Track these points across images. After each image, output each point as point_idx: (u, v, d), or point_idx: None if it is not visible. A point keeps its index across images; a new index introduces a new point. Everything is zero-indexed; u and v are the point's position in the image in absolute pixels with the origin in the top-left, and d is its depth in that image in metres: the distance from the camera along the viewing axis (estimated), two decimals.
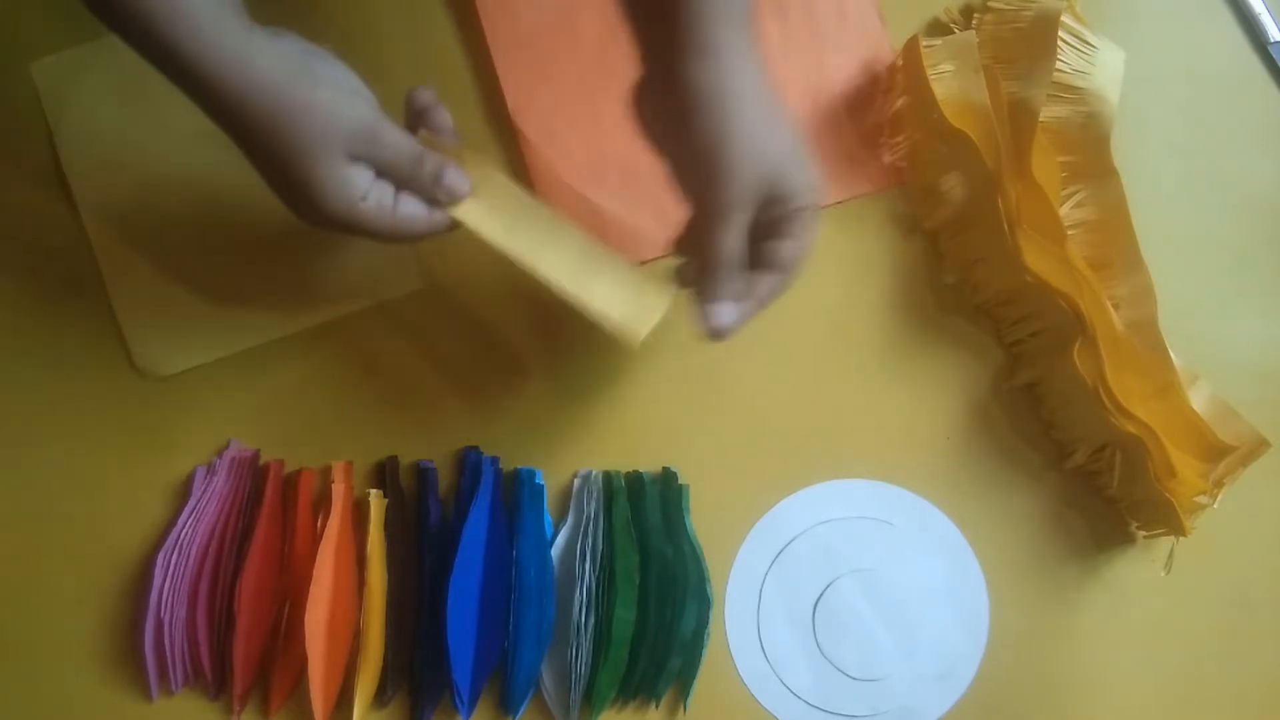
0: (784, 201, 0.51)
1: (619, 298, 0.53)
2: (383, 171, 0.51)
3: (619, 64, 0.63)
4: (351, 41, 0.62)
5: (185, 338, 0.63)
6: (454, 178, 0.53)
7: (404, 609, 0.61)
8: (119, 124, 0.64)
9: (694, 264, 0.53)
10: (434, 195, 0.53)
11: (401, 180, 0.52)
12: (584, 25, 0.66)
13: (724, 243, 0.50)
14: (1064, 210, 0.63)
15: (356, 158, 0.50)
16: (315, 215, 0.51)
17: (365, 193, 0.50)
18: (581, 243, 0.54)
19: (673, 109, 0.50)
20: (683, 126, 0.49)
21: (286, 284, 0.63)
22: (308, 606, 0.59)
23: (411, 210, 0.52)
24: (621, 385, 0.64)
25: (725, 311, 0.51)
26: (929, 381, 0.65)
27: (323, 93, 0.49)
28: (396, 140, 0.51)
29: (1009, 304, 0.65)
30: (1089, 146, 0.64)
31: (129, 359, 0.63)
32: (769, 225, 0.52)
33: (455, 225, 0.54)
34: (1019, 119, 0.62)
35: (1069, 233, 0.62)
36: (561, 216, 0.54)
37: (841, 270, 0.66)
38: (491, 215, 0.54)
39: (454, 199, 0.53)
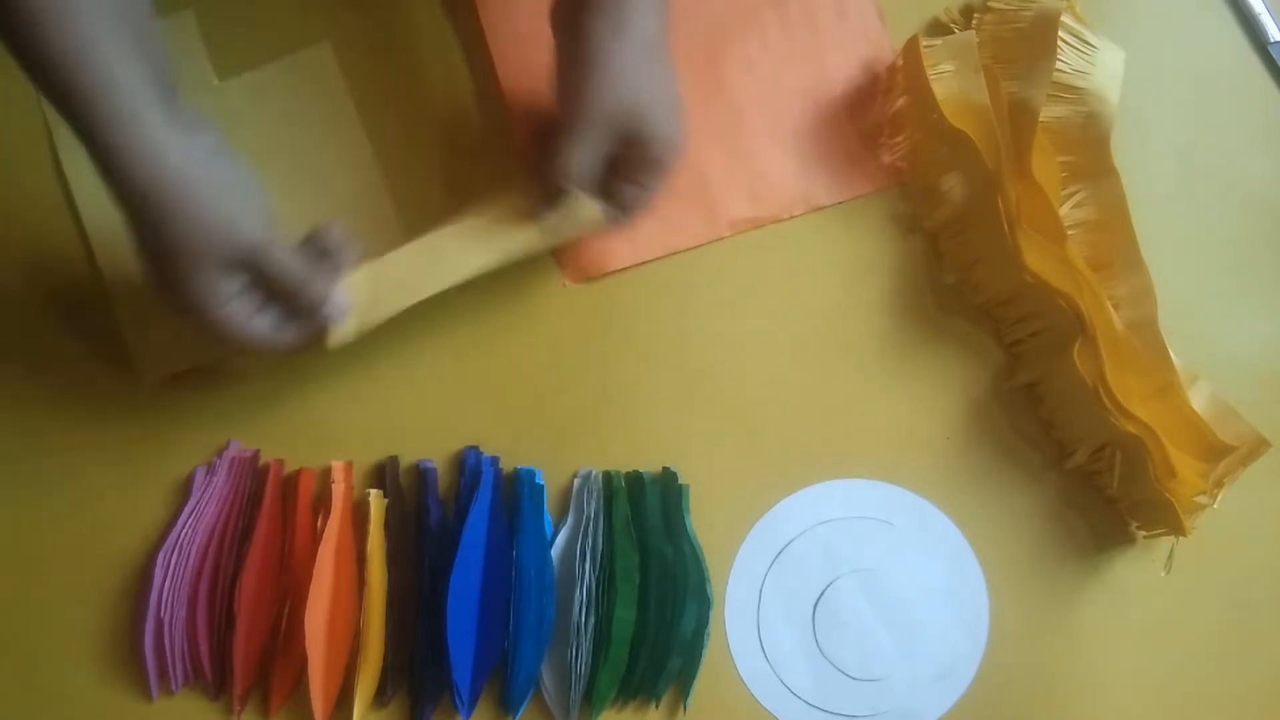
0: (642, 145, 0.54)
1: (543, 227, 0.57)
2: (266, 285, 0.52)
3: None
4: (350, 45, 0.64)
5: (184, 339, 0.62)
6: (333, 308, 0.54)
7: (404, 609, 0.61)
8: None
9: (542, 178, 0.55)
10: (311, 319, 0.54)
11: (283, 297, 0.53)
12: None
13: (571, 157, 0.54)
14: (1064, 210, 0.63)
15: (235, 268, 0.51)
16: (173, 304, 0.52)
17: (226, 303, 0.52)
18: (475, 226, 0.58)
19: (571, 33, 0.54)
20: (572, 48, 0.54)
21: None
22: (308, 606, 0.59)
23: (261, 328, 0.53)
24: (621, 385, 0.64)
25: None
26: (929, 381, 0.65)
27: (223, 205, 0.50)
28: (283, 261, 0.52)
29: (1009, 304, 0.64)
30: (1089, 146, 0.63)
31: (130, 361, 0.63)
32: (626, 166, 0.55)
33: (299, 348, 0.55)
34: (1019, 119, 0.62)
35: (1069, 233, 0.62)
36: (443, 231, 0.57)
37: (842, 270, 0.66)
38: (381, 301, 0.57)
39: (329, 324, 0.55)
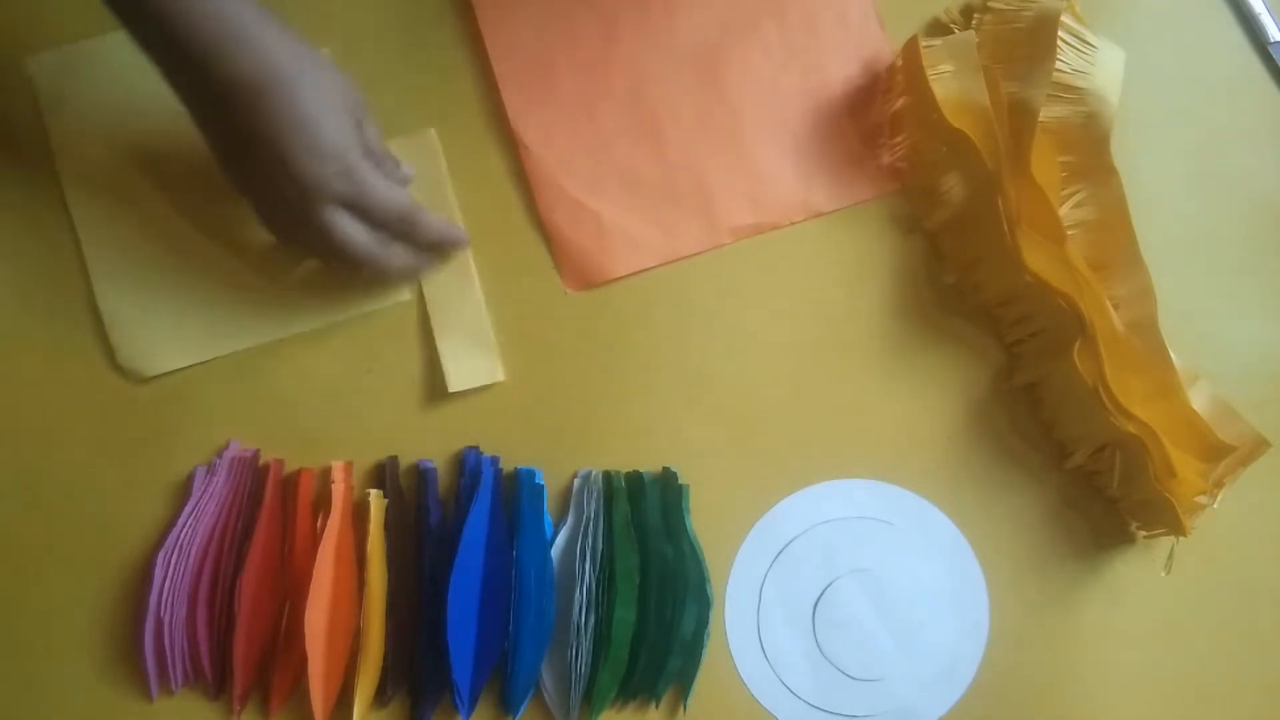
0: None
1: (461, 350, 0.62)
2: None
3: (619, 71, 0.65)
4: (352, 48, 0.64)
5: (171, 339, 0.62)
6: (409, 168, 0.61)
7: (404, 609, 0.61)
8: (115, 123, 0.63)
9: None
10: (399, 173, 0.60)
11: (373, 156, 0.57)
12: (583, 32, 0.66)
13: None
14: (1064, 210, 0.63)
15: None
16: (313, 171, 0.54)
17: (362, 151, 0.55)
18: (460, 291, 0.63)
19: None
20: None
21: (277, 290, 0.63)
22: (308, 606, 0.59)
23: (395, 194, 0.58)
24: (621, 385, 0.64)
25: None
26: (929, 382, 0.65)
27: (332, 65, 0.55)
28: (375, 125, 0.58)
29: (1009, 304, 0.64)
30: (1089, 146, 0.63)
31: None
32: None
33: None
34: (1019, 119, 0.62)
35: (1069, 233, 0.62)
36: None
37: (841, 271, 0.65)
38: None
39: (409, 179, 0.61)
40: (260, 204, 0.57)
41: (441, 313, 0.63)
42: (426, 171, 0.64)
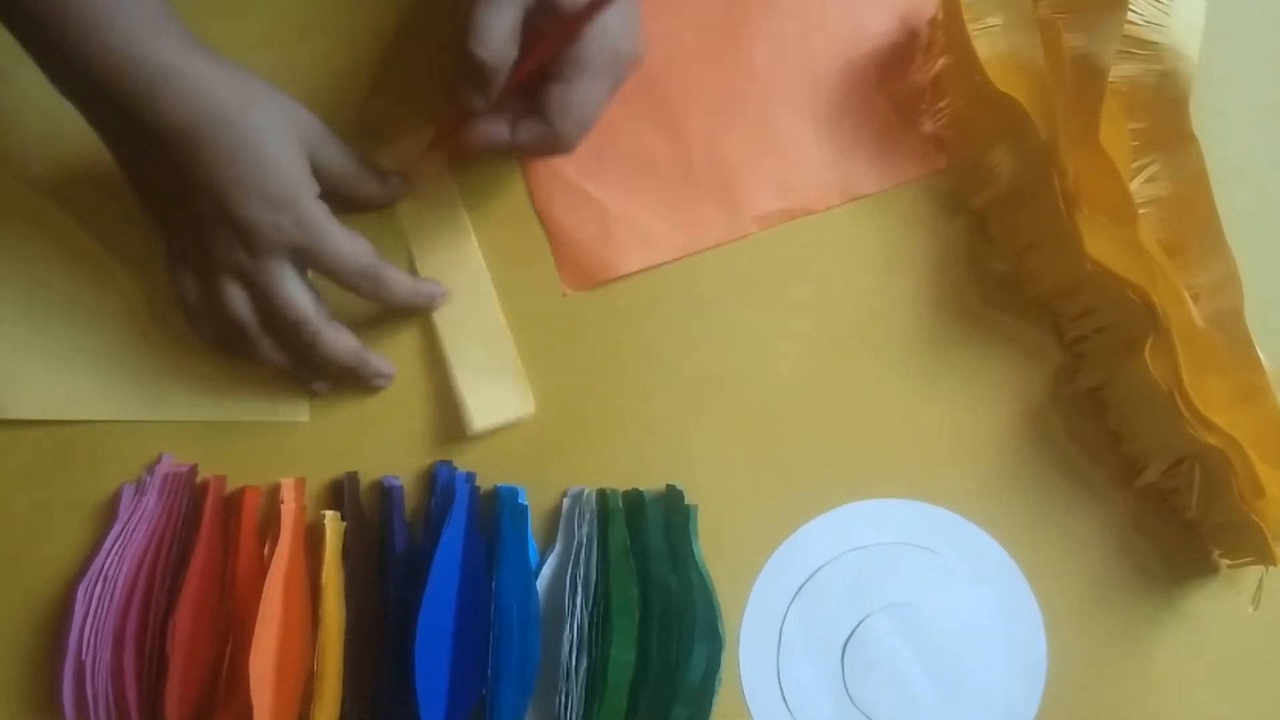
0: (550, 7, 0.52)
1: (482, 384, 0.60)
2: (325, 178, 0.55)
3: None
4: (355, 33, 0.62)
5: (44, 388, 0.59)
6: (398, 182, 0.59)
7: (365, 649, 0.58)
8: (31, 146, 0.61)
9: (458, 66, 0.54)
10: (383, 191, 0.58)
11: (345, 183, 0.56)
12: None
13: (483, 17, 0.51)
14: (1134, 186, 0.59)
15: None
16: (263, 220, 0.52)
17: (318, 192, 0.54)
18: (477, 308, 0.60)
19: None
20: None
21: (168, 368, 0.60)
22: (253, 647, 0.56)
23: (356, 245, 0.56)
24: (618, 389, 0.61)
25: (478, 116, 0.54)
26: (976, 386, 0.62)
27: (277, 92, 0.54)
28: (341, 146, 0.56)
29: (1069, 296, 0.61)
30: (1164, 110, 0.59)
31: None
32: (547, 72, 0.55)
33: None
34: (1084, 79, 0.57)
35: (1140, 211, 0.58)
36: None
37: (873, 259, 0.63)
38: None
39: (395, 198, 0.59)
40: (183, 259, 0.56)
41: (456, 337, 0.60)
42: (427, 178, 0.61)
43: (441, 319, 0.60)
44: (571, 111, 0.53)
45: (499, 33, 0.51)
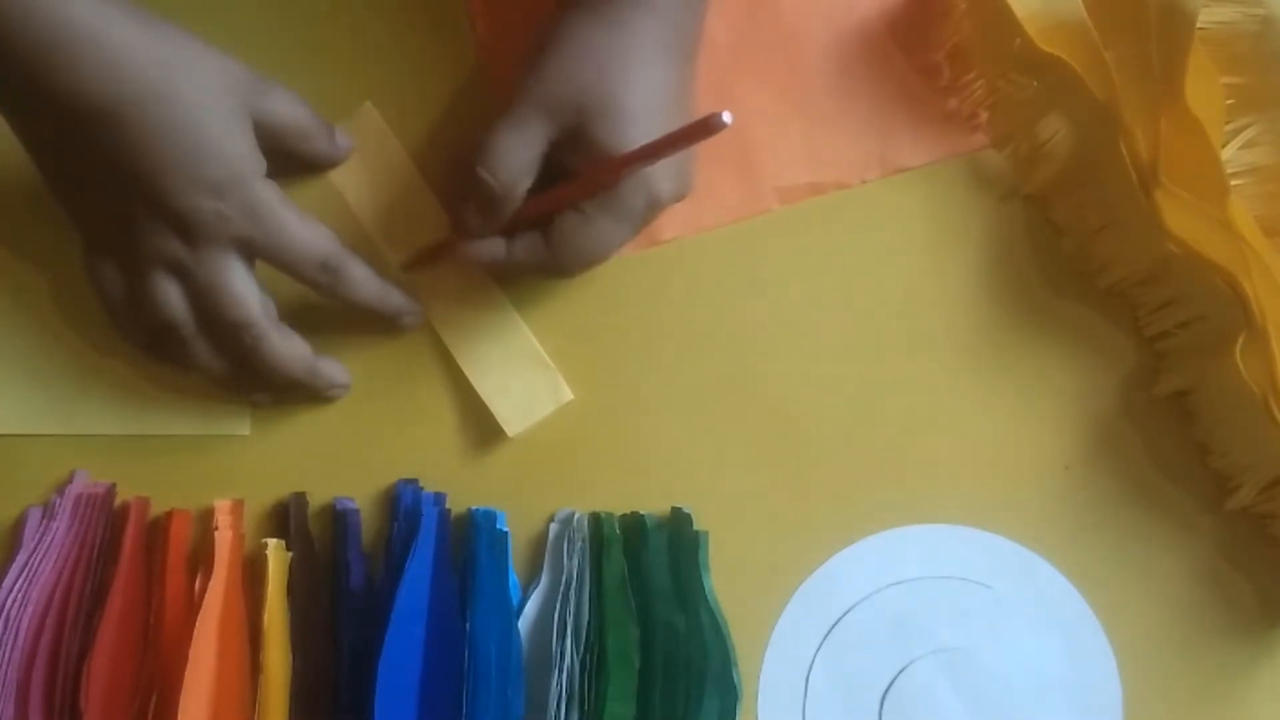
0: (584, 146, 0.50)
1: (507, 382, 0.58)
2: (273, 135, 0.52)
3: None
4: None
5: None
6: (344, 137, 0.56)
7: (315, 701, 0.53)
8: None
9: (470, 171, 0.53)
10: (330, 149, 0.55)
11: (293, 137, 0.53)
12: None
13: (498, 139, 0.50)
14: (1227, 154, 0.55)
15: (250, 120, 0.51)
16: (205, 207, 0.48)
17: (265, 170, 0.50)
18: (485, 306, 0.58)
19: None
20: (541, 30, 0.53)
21: (84, 374, 0.57)
22: (182, 699, 0.51)
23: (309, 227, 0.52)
24: (616, 396, 0.57)
25: (476, 238, 0.52)
26: (1038, 391, 0.58)
27: (208, 49, 0.50)
28: (286, 94, 0.52)
29: (1148, 284, 0.57)
30: (1264, 64, 0.56)
31: None
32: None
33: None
34: (1168, 27, 0.53)
35: (1233, 184, 0.54)
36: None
37: (916, 239, 0.59)
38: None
39: (342, 155, 0.57)
40: (104, 249, 0.52)
41: (466, 339, 0.58)
42: (372, 148, 0.59)
43: (444, 324, 0.58)
44: (581, 250, 0.51)
45: (513, 162, 0.50)
